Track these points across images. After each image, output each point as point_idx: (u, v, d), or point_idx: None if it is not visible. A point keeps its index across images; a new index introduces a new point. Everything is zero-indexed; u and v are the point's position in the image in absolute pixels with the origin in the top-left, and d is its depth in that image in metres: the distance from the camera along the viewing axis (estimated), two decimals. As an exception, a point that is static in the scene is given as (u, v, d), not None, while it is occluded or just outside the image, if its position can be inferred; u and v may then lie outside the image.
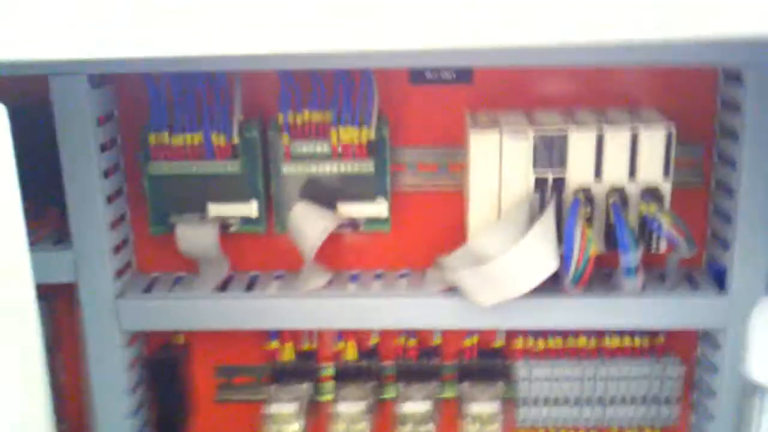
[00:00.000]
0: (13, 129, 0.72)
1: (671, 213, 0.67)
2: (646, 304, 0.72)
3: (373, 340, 0.82)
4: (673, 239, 0.67)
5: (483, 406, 0.79)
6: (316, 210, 0.73)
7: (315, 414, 0.82)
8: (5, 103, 0.45)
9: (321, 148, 0.72)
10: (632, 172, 0.68)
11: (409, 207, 0.77)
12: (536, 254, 0.67)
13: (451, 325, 0.76)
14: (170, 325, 0.78)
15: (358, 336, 0.82)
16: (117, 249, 0.77)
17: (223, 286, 0.78)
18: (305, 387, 0.82)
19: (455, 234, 0.74)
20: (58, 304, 0.82)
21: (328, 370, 0.83)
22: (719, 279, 0.73)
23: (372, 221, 0.74)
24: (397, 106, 0.75)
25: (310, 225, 0.73)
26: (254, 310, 0.76)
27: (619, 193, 0.68)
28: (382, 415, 0.82)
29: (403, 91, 0.74)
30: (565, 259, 0.67)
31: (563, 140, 0.68)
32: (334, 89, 0.72)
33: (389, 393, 0.82)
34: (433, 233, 0.76)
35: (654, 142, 0.67)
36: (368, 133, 0.72)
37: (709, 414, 0.77)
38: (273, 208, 0.75)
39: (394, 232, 0.77)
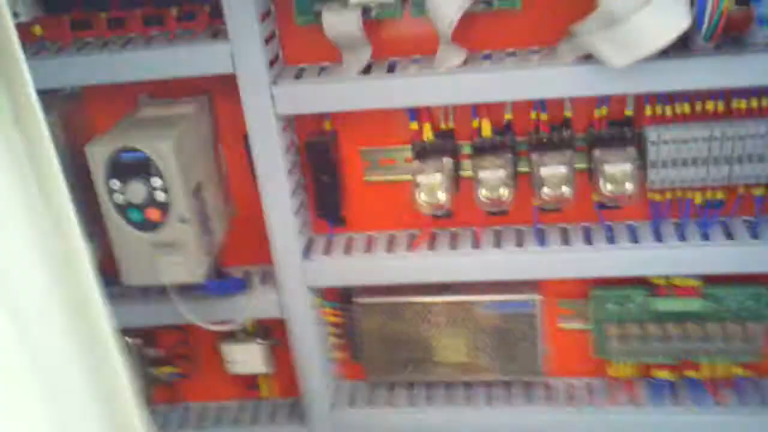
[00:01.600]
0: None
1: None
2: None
3: (506, 116, 0.87)
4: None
5: (616, 167, 0.84)
6: (452, -13, 0.77)
7: (458, 187, 0.90)
8: None
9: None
10: None
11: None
12: (669, 11, 0.69)
13: (583, 92, 0.80)
14: (320, 107, 0.85)
15: (493, 113, 0.87)
16: (267, 40, 0.83)
17: (366, 71, 0.84)
18: (446, 161, 0.88)
19: (585, 9, 0.76)
20: (218, 99, 0.91)
21: (467, 147, 0.89)
22: None
23: (504, -3, 0.78)
24: None
25: (444, 4, 0.77)
26: (396, 90, 0.82)
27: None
28: (521, 184, 0.88)
29: None
30: (698, 14, 0.69)
31: None
32: None
33: (525, 165, 0.88)
34: (563, 10, 0.79)
35: None
36: None
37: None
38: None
39: (525, 9, 0.80)
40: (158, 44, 0.84)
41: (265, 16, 0.83)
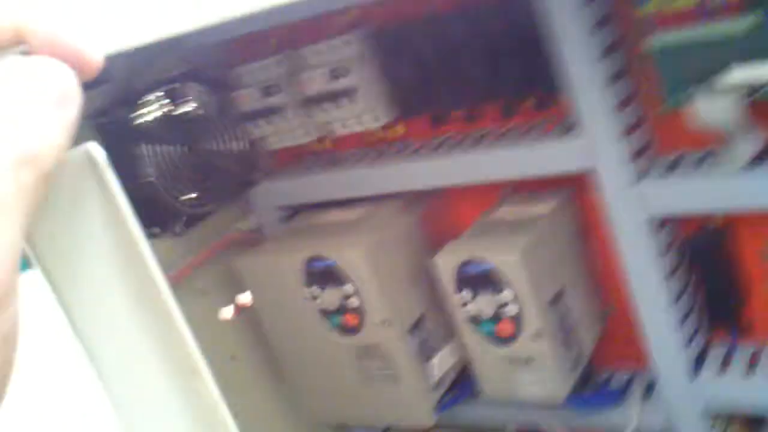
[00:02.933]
0: (510, 23, 0.71)
1: None
2: None
3: None
4: None
5: None
6: None
7: None
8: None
9: None
10: None
11: None
12: None
13: None
14: (696, 206, 0.70)
15: None
16: (628, 130, 0.71)
17: (757, 160, 0.66)
18: None
19: None
20: (587, 190, 0.80)
21: None
22: None
23: None
24: None
25: None
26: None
27: None
28: None
29: None
30: None
31: None
32: None
33: None
34: None
35: None
36: None
37: None
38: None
39: None
40: (510, 142, 0.77)
41: (626, 103, 0.70)
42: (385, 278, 0.81)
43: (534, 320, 0.75)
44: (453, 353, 0.87)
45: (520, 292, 0.75)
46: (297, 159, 0.97)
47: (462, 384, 0.88)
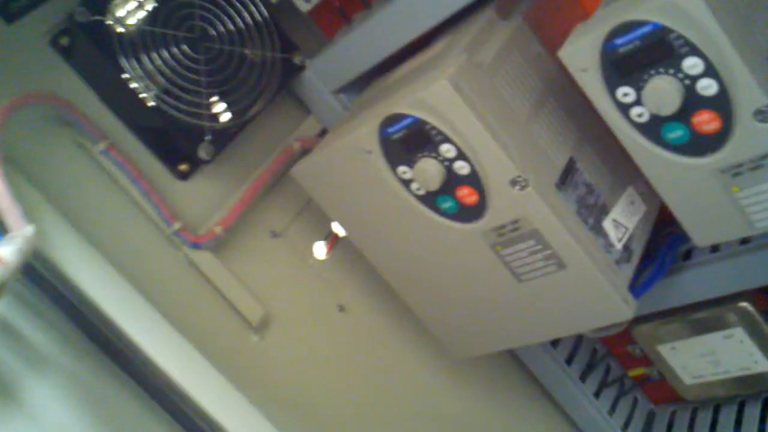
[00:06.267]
0: None
1: None
2: None
3: None
4: None
5: None
6: None
7: None
8: None
9: None
10: None
11: None
12: None
13: None
14: None
15: None
16: None
17: None
18: None
19: None
20: None
21: None
22: None
23: None
24: None
25: None
26: None
27: None
28: None
29: None
30: None
31: None
32: None
33: None
34: None
35: None
36: None
37: None
38: None
39: None
40: None
41: None
42: (496, 114, 0.52)
43: (749, 86, 0.45)
44: (635, 203, 0.57)
45: (713, 47, 0.44)
46: (343, 21, 0.70)
47: (662, 246, 0.59)
